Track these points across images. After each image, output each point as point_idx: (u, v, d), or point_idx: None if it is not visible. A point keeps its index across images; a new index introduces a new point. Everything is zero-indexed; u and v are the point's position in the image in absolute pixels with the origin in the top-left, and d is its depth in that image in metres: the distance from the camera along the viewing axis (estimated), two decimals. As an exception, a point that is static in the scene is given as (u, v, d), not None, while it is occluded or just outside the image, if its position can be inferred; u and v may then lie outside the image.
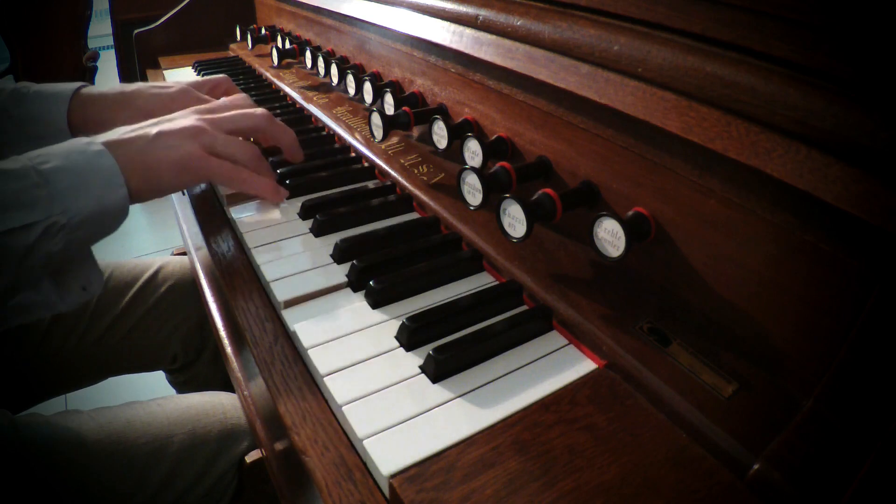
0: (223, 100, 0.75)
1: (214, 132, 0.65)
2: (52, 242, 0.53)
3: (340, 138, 0.88)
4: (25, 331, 0.84)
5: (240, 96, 0.77)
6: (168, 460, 0.68)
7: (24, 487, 0.62)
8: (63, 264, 0.59)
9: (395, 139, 0.82)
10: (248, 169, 0.67)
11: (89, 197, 0.55)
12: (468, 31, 0.67)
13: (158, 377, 1.06)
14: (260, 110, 0.72)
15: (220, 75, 0.92)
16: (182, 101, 0.77)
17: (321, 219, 0.66)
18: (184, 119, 0.65)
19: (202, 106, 0.72)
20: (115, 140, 0.60)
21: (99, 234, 0.58)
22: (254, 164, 0.68)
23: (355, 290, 0.57)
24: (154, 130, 0.61)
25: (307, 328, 0.52)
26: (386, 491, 0.39)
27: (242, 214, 0.71)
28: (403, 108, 0.78)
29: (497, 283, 0.57)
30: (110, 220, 0.58)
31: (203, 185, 0.83)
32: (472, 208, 0.60)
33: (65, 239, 0.53)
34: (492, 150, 0.66)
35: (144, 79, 1.39)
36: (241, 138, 0.69)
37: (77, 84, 0.77)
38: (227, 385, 0.74)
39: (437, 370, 0.46)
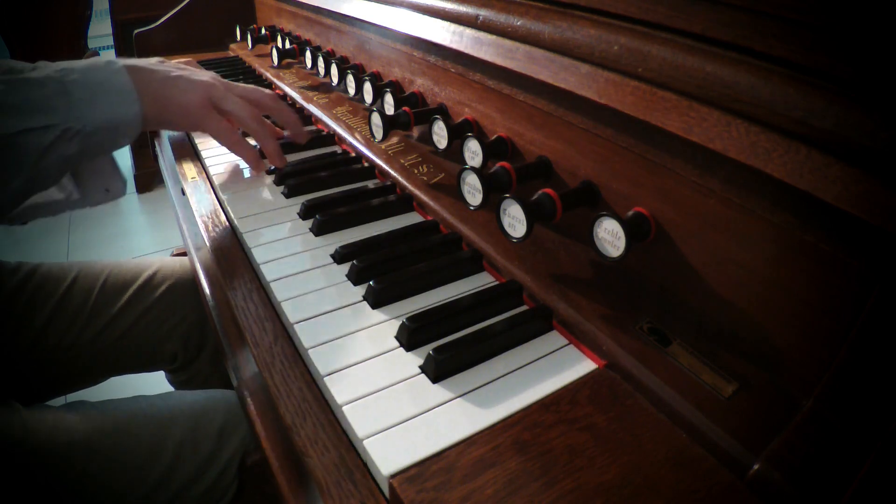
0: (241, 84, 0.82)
1: (224, 91, 0.73)
2: (68, 146, 0.59)
3: (340, 138, 0.88)
4: (22, 326, 0.84)
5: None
6: (169, 453, 0.68)
7: (28, 477, 0.63)
8: (84, 167, 0.69)
9: (395, 139, 0.82)
10: (250, 126, 0.74)
11: (104, 108, 0.61)
12: (468, 31, 0.67)
13: (160, 378, 1.06)
14: (269, 91, 0.81)
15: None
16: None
17: (321, 218, 0.66)
18: (203, 73, 0.73)
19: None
20: (136, 66, 0.67)
21: (113, 143, 0.64)
22: (253, 124, 0.74)
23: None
24: (175, 73, 0.69)
25: (307, 328, 0.52)
26: (386, 491, 0.39)
27: (242, 214, 0.71)
28: (403, 108, 0.78)
29: (497, 283, 0.57)
30: (123, 132, 0.64)
31: (208, 188, 0.83)
32: (472, 208, 0.60)
33: (80, 144, 0.60)
34: (492, 150, 0.66)
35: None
36: (247, 99, 0.76)
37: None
38: (227, 384, 0.74)
39: (437, 370, 0.46)
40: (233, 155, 0.83)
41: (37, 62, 0.68)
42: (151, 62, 0.71)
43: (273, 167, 0.80)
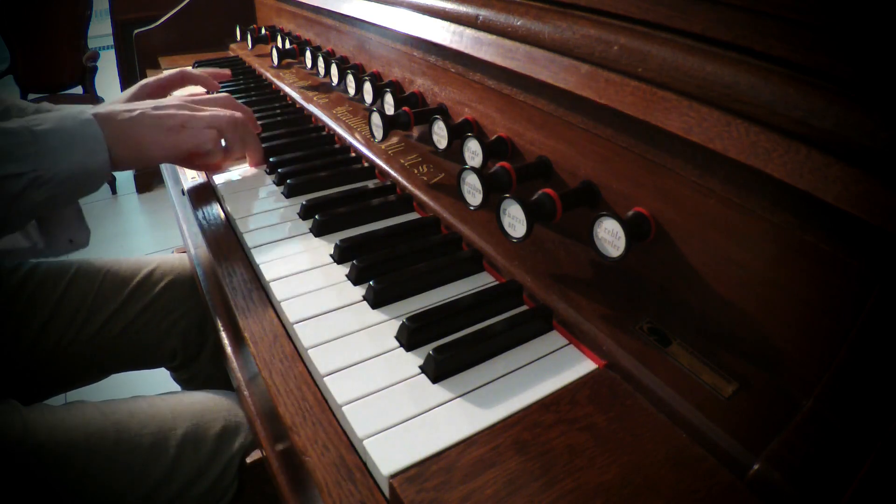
0: (208, 97, 0.86)
1: (189, 114, 0.74)
2: (38, 193, 0.61)
3: (340, 138, 0.88)
4: (22, 324, 0.84)
5: (223, 95, 0.87)
6: (169, 453, 0.68)
7: (28, 476, 0.63)
8: (51, 216, 0.72)
9: (395, 139, 0.82)
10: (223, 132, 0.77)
11: (73, 158, 0.63)
12: (468, 31, 0.67)
13: (161, 379, 1.06)
14: (223, 94, 0.85)
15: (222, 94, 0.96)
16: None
17: (321, 219, 0.66)
18: (166, 104, 0.74)
19: (188, 97, 0.82)
20: (104, 113, 0.68)
21: (81, 191, 0.66)
22: (230, 128, 0.77)
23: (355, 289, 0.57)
24: (137, 111, 0.71)
25: (307, 328, 0.52)
26: (386, 491, 0.39)
27: (242, 214, 0.71)
28: (403, 108, 0.78)
29: (497, 283, 0.57)
30: (92, 181, 0.66)
31: (202, 182, 0.83)
32: (472, 208, 0.60)
33: (48, 192, 0.62)
34: (492, 150, 0.66)
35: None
36: (214, 111, 0.78)
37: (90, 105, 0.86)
38: (228, 383, 0.74)
39: (437, 370, 0.46)
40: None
41: (41, 103, 0.71)
42: (117, 105, 0.72)
43: (273, 167, 0.81)
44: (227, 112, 0.77)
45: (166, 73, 1.02)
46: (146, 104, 0.73)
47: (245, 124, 0.79)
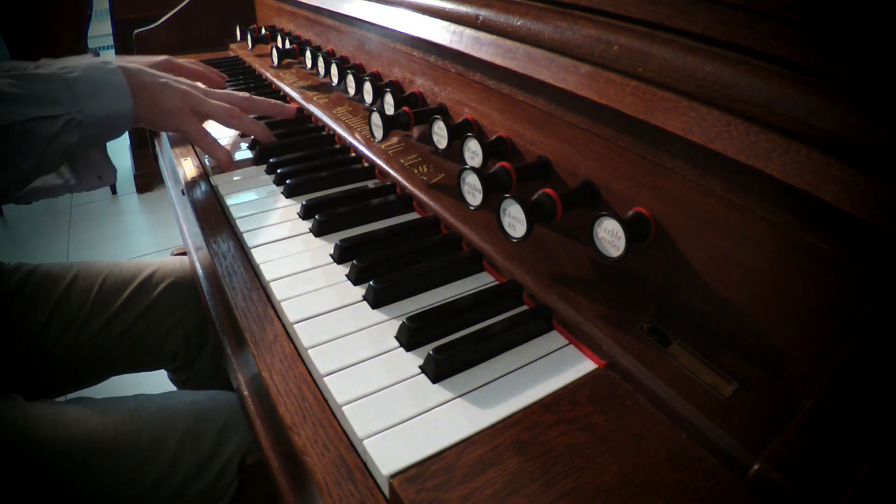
0: (227, 91, 0.91)
1: (201, 96, 0.82)
2: (71, 134, 0.67)
3: (340, 138, 0.89)
4: (22, 325, 0.84)
5: (243, 95, 0.91)
6: (169, 451, 0.69)
7: (27, 470, 0.63)
8: (80, 156, 0.80)
9: (395, 139, 0.82)
10: (230, 122, 0.84)
11: (102, 102, 0.70)
12: (468, 31, 0.67)
13: (161, 380, 1.06)
14: (243, 93, 0.90)
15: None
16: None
17: (321, 219, 0.66)
18: (183, 83, 0.82)
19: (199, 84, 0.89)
20: (128, 67, 0.75)
21: (108, 134, 0.73)
22: (232, 120, 0.83)
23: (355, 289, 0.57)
24: (161, 79, 0.78)
25: (307, 328, 0.52)
26: (386, 491, 0.39)
27: (242, 214, 0.71)
28: (403, 108, 0.78)
29: (497, 283, 0.57)
30: (118, 124, 0.73)
31: (208, 188, 0.83)
32: (472, 208, 0.60)
33: (80, 133, 0.68)
34: (492, 150, 0.66)
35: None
36: (222, 103, 0.84)
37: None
38: (229, 384, 0.74)
39: (437, 370, 0.46)
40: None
41: (39, 60, 0.74)
42: (142, 66, 0.79)
43: (272, 164, 0.81)
44: (227, 107, 0.83)
45: (190, 63, 1.06)
46: (169, 76, 0.80)
47: (242, 116, 0.85)
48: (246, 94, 0.89)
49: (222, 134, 0.94)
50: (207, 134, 0.82)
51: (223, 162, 0.83)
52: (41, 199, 0.84)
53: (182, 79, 0.83)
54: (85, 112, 0.67)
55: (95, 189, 0.85)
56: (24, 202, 0.85)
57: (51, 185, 0.82)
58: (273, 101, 0.92)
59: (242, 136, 0.94)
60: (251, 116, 0.88)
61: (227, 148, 0.85)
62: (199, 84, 0.88)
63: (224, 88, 1.08)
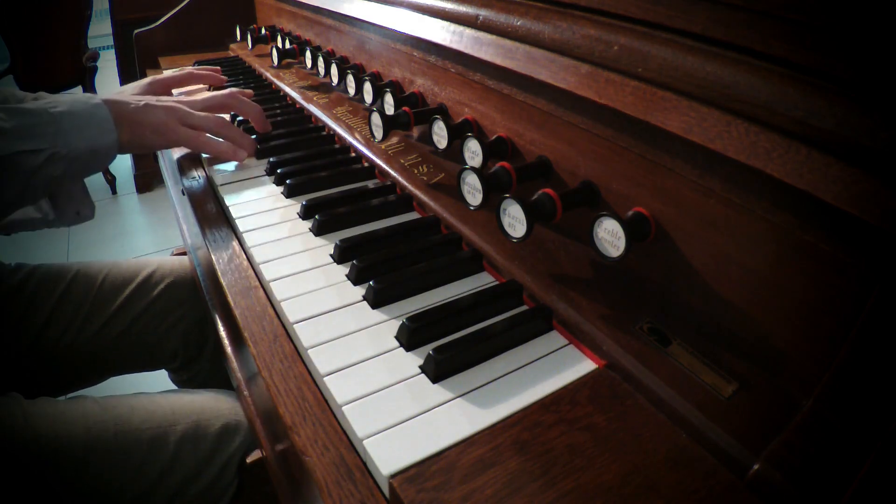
0: (215, 93, 0.91)
1: (187, 110, 0.82)
2: (54, 168, 0.68)
3: (340, 138, 0.89)
4: (22, 324, 0.84)
5: (229, 91, 0.92)
6: (169, 450, 0.69)
7: (26, 467, 0.63)
8: (60, 191, 0.81)
9: (395, 139, 0.82)
10: (220, 132, 0.84)
11: (86, 137, 0.71)
12: (468, 31, 0.67)
13: (161, 380, 1.06)
14: (226, 90, 0.92)
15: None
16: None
17: (321, 218, 0.66)
18: (167, 99, 0.83)
19: (187, 97, 0.90)
20: (112, 99, 0.76)
21: (91, 168, 0.74)
22: (221, 129, 0.84)
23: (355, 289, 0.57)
24: (143, 101, 0.79)
25: (307, 328, 0.52)
26: (386, 491, 0.39)
27: (242, 214, 0.71)
28: (403, 108, 0.78)
29: (497, 283, 0.57)
30: (101, 158, 0.74)
31: (202, 182, 0.83)
32: (472, 208, 0.60)
33: (63, 167, 0.69)
34: (492, 150, 0.66)
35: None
36: (208, 113, 0.85)
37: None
38: (228, 383, 0.74)
39: (437, 370, 0.46)
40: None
41: (37, 93, 0.79)
42: (125, 95, 0.82)
43: (272, 165, 0.81)
44: (213, 116, 0.84)
45: (173, 72, 1.06)
46: (151, 98, 0.82)
47: (229, 125, 0.85)
48: (230, 91, 0.90)
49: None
50: (200, 134, 0.82)
51: (228, 153, 0.84)
52: (19, 231, 0.85)
53: (163, 97, 0.85)
54: (69, 146, 0.69)
55: (72, 225, 0.86)
56: (4, 233, 0.86)
57: (29, 219, 0.84)
58: (259, 109, 0.91)
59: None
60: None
61: (224, 142, 0.86)
62: (185, 98, 0.89)
63: (220, 83, 1.10)
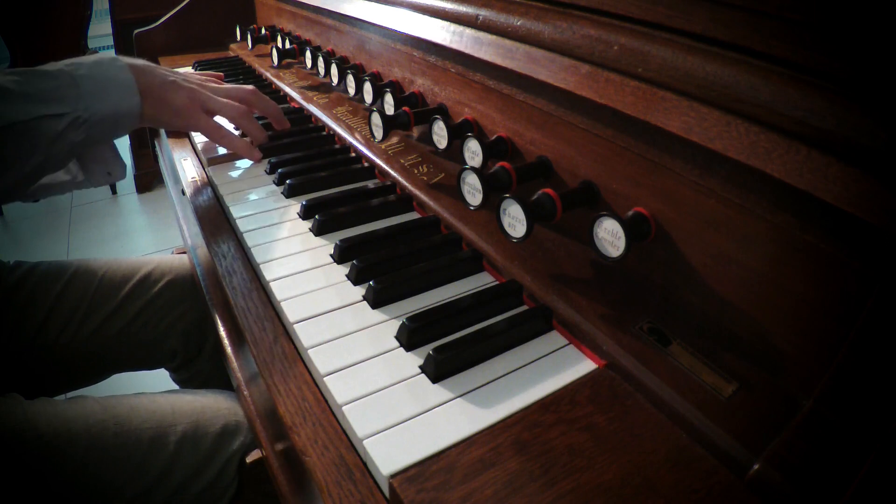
0: (236, 87, 0.90)
1: (210, 94, 0.81)
2: (76, 133, 0.66)
3: (340, 138, 0.89)
4: (20, 322, 0.84)
5: (249, 88, 0.90)
6: (169, 449, 0.69)
7: (26, 466, 0.63)
8: (88, 153, 0.79)
9: (395, 139, 0.82)
10: (238, 122, 0.83)
11: (109, 100, 0.69)
12: (468, 31, 0.67)
13: (161, 379, 1.06)
14: (249, 86, 0.89)
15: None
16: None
17: (321, 218, 0.66)
18: (191, 81, 0.82)
19: (207, 80, 0.88)
20: (137, 64, 0.74)
21: (114, 132, 0.72)
22: (241, 120, 0.83)
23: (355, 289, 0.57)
24: (170, 77, 0.78)
25: (307, 328, 0.52)
26: (386, 491, 0.39)
27: (242, 214, 0.71)
28: (403, 108, 0.78)
29: (497, 283, 0.57)
30: (124, 122, 0.72)
31: (208, 188, 0.83)
32: (472, 208, 0.60)
33: (86, 132, 0.67)
34: (492, 150, 0.66)
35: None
36: (230, 101, 0.83)
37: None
38: (228, 383, 0.75)
39: (437, 370, 0.46)
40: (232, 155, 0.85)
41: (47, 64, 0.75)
42: (149, 63, 0.78)
43: (273, 165, 0.81)
44: (234, 105, 0.83)
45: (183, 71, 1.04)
46: (177, 74, 0.80)
47: (249, 116, 0.84)
48: (253, 88, 0.89)
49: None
50: (220, 128, 0.82)
51: (243, 150, 0.83)
52: (49, 195, 0.83)
53: (190, 76, 0.83)
54: (91, 110, 0.67)
55: (104, 185, 0.84)
56: (32, 200, 0.85)
57: (58, 182, 0.81)
58: (278, 107, 0.91)
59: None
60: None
61: (243, 139, 0.85)
62: (209, 82, 0.87)
63: None
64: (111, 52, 0.79)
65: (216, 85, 0.86)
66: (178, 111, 0.77)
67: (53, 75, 0.66)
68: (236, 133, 0.88)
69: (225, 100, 0.82)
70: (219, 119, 0.85)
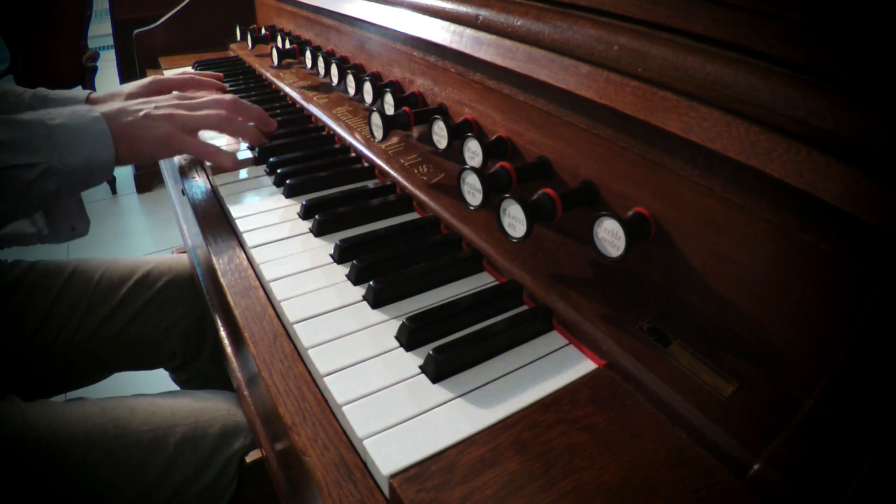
0: (202, 93, 0.90)
1: (186, 113, 0.79)
2: (48, 182, 0.66)
3: (340, 138, 0.88)
4: (19, 320, 0.84)
5: (229, 97, 0.88)
6: (168, 450, 0.69)
7: (25, 468, 0.63)
8: (55, 205, 0.78)
9: (395, 139, 0.82)
10: (225, 130, 0.83)
11: (82, 151, 0.69)
12: (468, 31, 0.67)
13: (161, 379, 1.06)
14: (228, 96, 0.87)
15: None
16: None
17: (321, 218, 0.66)
18: (166, 104, 0.79)
19: (181, 94, 0.86)
20: (110, 112, 0.74)
21: (87, 182, 0.72)
22: (226, 127, 0.83)
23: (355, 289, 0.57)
24: (142, 112, 0.76)
25: (307, 328, 0.52)
26: (386, 491, 0.39)
27: (242, 214, 0.71)
28: (403, 108, 0.78)
29: (497, 283, 0.57)
30: (98, 173, 0.71)
31: (202, 183, 0.83)
32: (472, 208, 0.60)
33: (58, 182, 0.67)
34: (492, 150, 0.66)
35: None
36: (209, 112, 0.82)
37: (86, 91, 0.95)
38: (228, 383, 0.75)
39: (437, 370, 0.46)
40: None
41: (36, 89, 0.77)
42: (120, 103, 0.78)
43: (273, 164, 0.81)
44: (216, 111, 0.81)
45: (174, 74, 1.04)
46: (149, 104, 0.78)
47: (231, 120, 0.83)
48: (231, 97, 0.86)
49: (212, 135, 0.92)
50: (205, 144, 0.81)
51: (228, 165, 0.82)
52: (11, 246, 0.83)
53: (161, 99, 0.81)
54: (63, 160, 0.67)
55: (67, 241, 0.83)
56: None
57: (23, 234, 0.81)
58: (260, 109, 0.89)
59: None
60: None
61: (229, 150, 0.84)
62: (184, 94, 0.85)
63: (221, 89, 1.04)
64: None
65: (192, 99, 0.83)
66: (159, 142, 0.75)
67: (28, 125, 0.66)
68: (228, 145, 0.88)
69: (204, 112, 0.81)
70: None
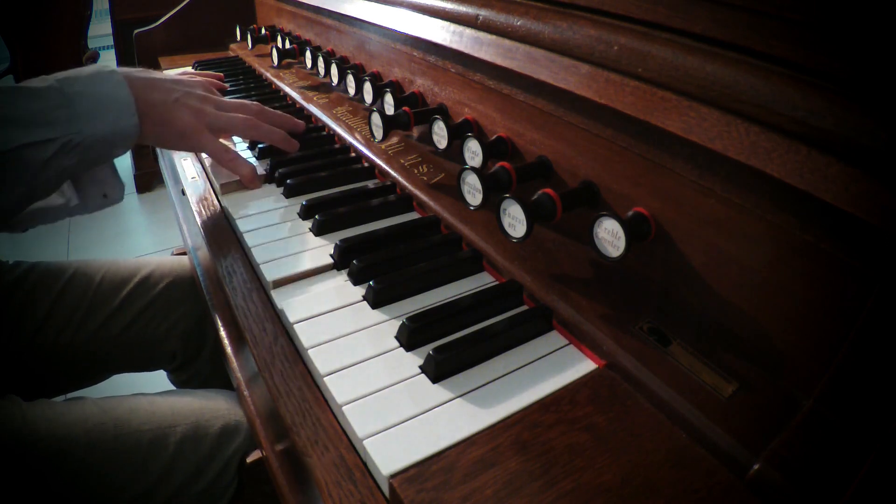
0: (240, 102, 0.84)
1: (216, 113, 0.75)
2: (67, 158, 0.60)
3: (340, 138, 0.88)
4: (19, 321, 0.84)
5: (255, 105, 0.84)
6: (169, 450, 0.69)
7: (25, 468, 0.63)
8: (82, 175, 0.72)
9: (395, 139, 0.82)
10: (250, 134, 0.78)
11: (105, 121, 0.62)
12: (468, 31, 0.67)
13: (161, 380, 1.06)
14: (253, 102, 0.83)
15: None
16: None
17: (321, 218, 0.66)
18: (196, 95, 0.74)
19: (209, 87, 0.81)
20: (137, 81, 0.67)
21: (110, 154, 0.66)
22: (251, 131, 0.78)
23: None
24: (173, 96, 0.70)
25: (307, 328, 0.52)
26: (386, 491, 0.39)
27: (242, 214, 0.71)
28: (403, 108, 0.78)
29: (497, 283, 0.57)
30: (121, 144, 0.65)
31: (202, 183, 0.83)
32: (472, 208, 0.60)
33: (79, 156, 0.61)
34: (492, 150, 0.66)
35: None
36: (238, 115, 0.78)
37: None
38: (227, 384, 0.75)
39: (437, 370, 0.46)
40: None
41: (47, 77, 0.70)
42: (147, 73, 0.72)
43: (275, 168, 0.81)
44: (240, 119, 0.77)
45: (175, 74, 1.00)
46: (179, 86, 0.73)
47: (258, 126, 0.79)
48: (258, 104, 0.83)
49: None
50: (228, 150, 0.77)
51: (247, 178, 0.77)
52: (38, 225, 0.75)
53: (194, 87, 0.76)
54: (84, 133, 0.60)
55: (101, 209, 0.74)
56: (20, 230, 0.75)
57: (49, 208, 0.73)
58: (284, 115, 0.85)
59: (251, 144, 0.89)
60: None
61: (250, 162, 0.79)
62: (212, 94, 0.80)
63: (222, 89, 1.02)
64: (111, 65, 0.71)
65: (219, 98, 0.80)
66: (182, 133, 0.71)
67: (41, 94, 0.59)
68: (245, 154, 0.84)
69: (230, 114, 0.77)
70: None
